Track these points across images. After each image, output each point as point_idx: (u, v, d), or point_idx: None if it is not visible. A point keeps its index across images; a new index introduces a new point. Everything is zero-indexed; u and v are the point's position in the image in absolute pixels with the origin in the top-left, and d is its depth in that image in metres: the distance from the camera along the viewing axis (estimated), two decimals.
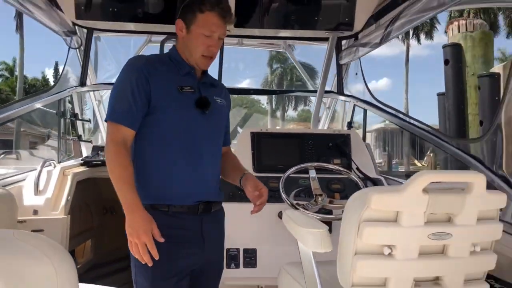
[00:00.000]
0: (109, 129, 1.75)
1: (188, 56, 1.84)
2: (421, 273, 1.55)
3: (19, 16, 27.94)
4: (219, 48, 1.86)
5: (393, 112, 3.35)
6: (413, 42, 34.71)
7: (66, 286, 1.23)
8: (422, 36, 33.68)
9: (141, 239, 1.59)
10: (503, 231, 1.87)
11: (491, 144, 2.34)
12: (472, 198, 1.50)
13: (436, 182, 1.49)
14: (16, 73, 34.43)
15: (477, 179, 1.50)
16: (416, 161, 24.95)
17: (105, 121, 1.81)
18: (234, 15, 1.86)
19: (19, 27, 29.75)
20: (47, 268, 1.23)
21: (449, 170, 2.88)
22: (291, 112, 38.08)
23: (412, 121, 3.18)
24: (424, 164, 23.80)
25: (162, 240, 1.62)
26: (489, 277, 1.95)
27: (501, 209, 2.22)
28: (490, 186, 2.24)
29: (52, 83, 39.59)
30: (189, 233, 1.77)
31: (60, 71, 3.74)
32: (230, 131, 2.11)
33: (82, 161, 3.65)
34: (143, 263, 1.61)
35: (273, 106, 32.29)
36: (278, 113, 34.77)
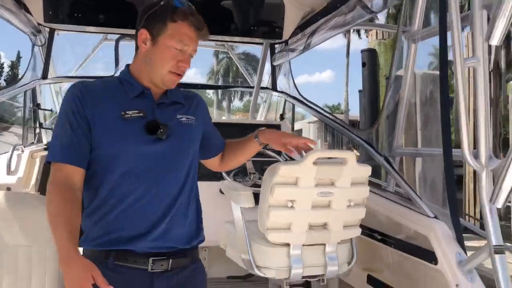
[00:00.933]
0: (51, 170, 1.49)
1: (151, 73, 1.55)
2: (314, 219, 2.23)
3: None
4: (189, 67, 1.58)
5: (314, 107, 4.09)
6: (355, 36, 36.52)
7: None
8: (362, 31, 35.53)
9: None
10: (374, 192, 2.65)
11: (380, 132, 3.12)
12: (347, 168, 2.18)
13: (323, 157, 2.19)
14: None
15: (350, 156, 2.20)
16: (355, 151, 26.55)
17: (46, 162, 1.57)
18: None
19: None
20: None
21: (332, 150, 3.68)
22: (237, 103, 38.83)
23: (328, 115, 3.95)
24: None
25: None
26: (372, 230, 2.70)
27: (385, 181, 3.02)
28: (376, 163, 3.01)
29: None
30: None
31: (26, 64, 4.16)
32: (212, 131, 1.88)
33: (46, 146, 4.09)
34: None
35: (219, 97, 32.87)
36: (224, 104, 35.33)
